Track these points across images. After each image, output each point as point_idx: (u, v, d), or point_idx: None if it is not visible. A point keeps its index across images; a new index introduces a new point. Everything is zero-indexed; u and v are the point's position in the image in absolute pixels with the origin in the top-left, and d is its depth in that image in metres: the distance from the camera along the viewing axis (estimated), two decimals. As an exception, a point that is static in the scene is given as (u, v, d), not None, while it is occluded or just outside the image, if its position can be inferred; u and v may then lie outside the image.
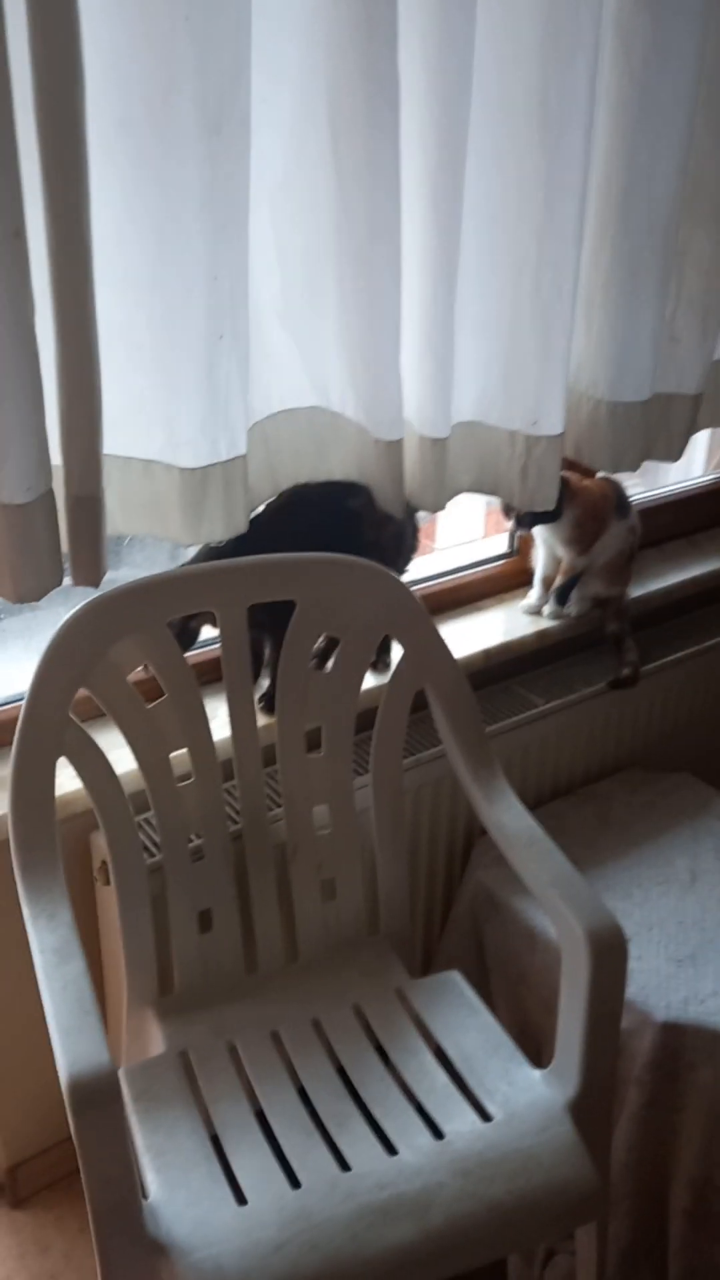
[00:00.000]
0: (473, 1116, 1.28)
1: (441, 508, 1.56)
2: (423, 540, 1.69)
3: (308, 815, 1.50)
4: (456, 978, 1.49)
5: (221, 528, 1.35)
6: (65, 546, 1.26)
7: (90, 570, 1.27)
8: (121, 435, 1.27)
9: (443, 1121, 1.27)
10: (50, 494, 1.20)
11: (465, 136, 1.32)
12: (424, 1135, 1.26)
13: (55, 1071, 1.05)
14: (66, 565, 1.27)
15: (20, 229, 1.06)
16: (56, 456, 1.19)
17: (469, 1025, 1.41)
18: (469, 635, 1.84)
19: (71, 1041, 1.07)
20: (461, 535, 2.21)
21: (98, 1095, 1.04)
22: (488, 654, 1.80)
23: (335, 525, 1.53)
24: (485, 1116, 1.28)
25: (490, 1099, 1.30)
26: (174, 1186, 1.18)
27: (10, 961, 1.46)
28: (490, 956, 1.71)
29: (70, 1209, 1.70)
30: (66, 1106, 1.03)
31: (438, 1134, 1.26)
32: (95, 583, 1.28)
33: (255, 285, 1.31)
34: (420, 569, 1.84)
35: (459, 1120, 1.27)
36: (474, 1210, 1.18)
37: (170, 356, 1.25)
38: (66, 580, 1.27)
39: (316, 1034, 1.40)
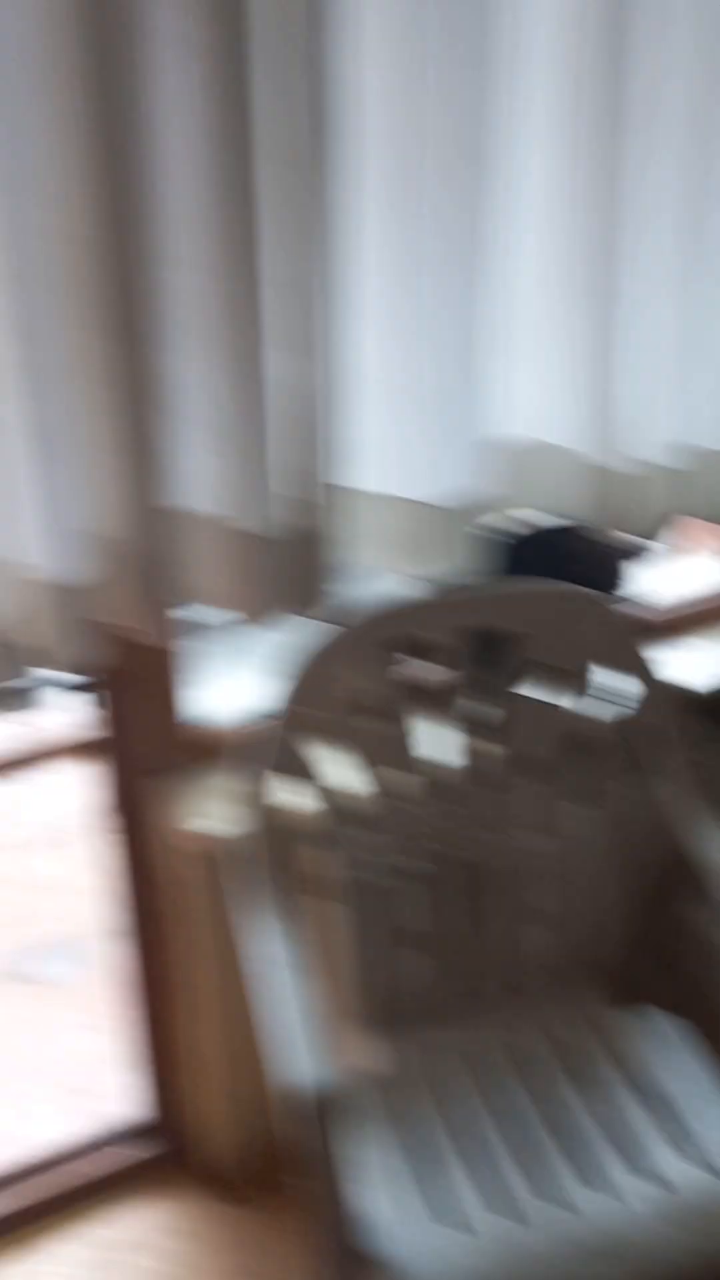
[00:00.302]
0: (695, 1169, 1.25)
1: (676, 535, 1.54)
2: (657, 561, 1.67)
3: (518, 840, 1.51)
4: (663, 1015, 1.47)
5: (455, 561, 1.38)
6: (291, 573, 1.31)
7: (310, 598, 1.32)
8: (360, 469, 1.31)
9: (663, 1169, 1.25)
10: (293, 523, 1.25)
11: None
12: (650, 1182, 1.24)
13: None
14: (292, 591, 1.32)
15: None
16: (289, 487, 1.25)
17: (678, 1067, 1.39)
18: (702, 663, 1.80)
19: (290, 1054, 1.11)
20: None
21: (318, 1108, 1.08)
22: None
23: (561, 556, 1.54)
24: (708, 1167, 1.25)
25: (708, 1148, 1.27)
26: (390, 1203, 1.20)
27: (232, 961, 1.53)
28: (695, 993, 1.67)
29: (291, 1214, 1.74)
30: (284, 1118, 1.07)
31: (660, 1181, 1.24)
32: (318, 612, 1.33)
33: (490, 320, 1.33)
34: (654, 593, 1.82)
35: (679, 1169, 1.25)
36: (696, 1268, 1.16)
37: (411, 391, 1.28)
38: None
39: (522, 1061, 1.40)
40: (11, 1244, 1.66)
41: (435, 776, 1.47)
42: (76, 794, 2.77)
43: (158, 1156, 1.84)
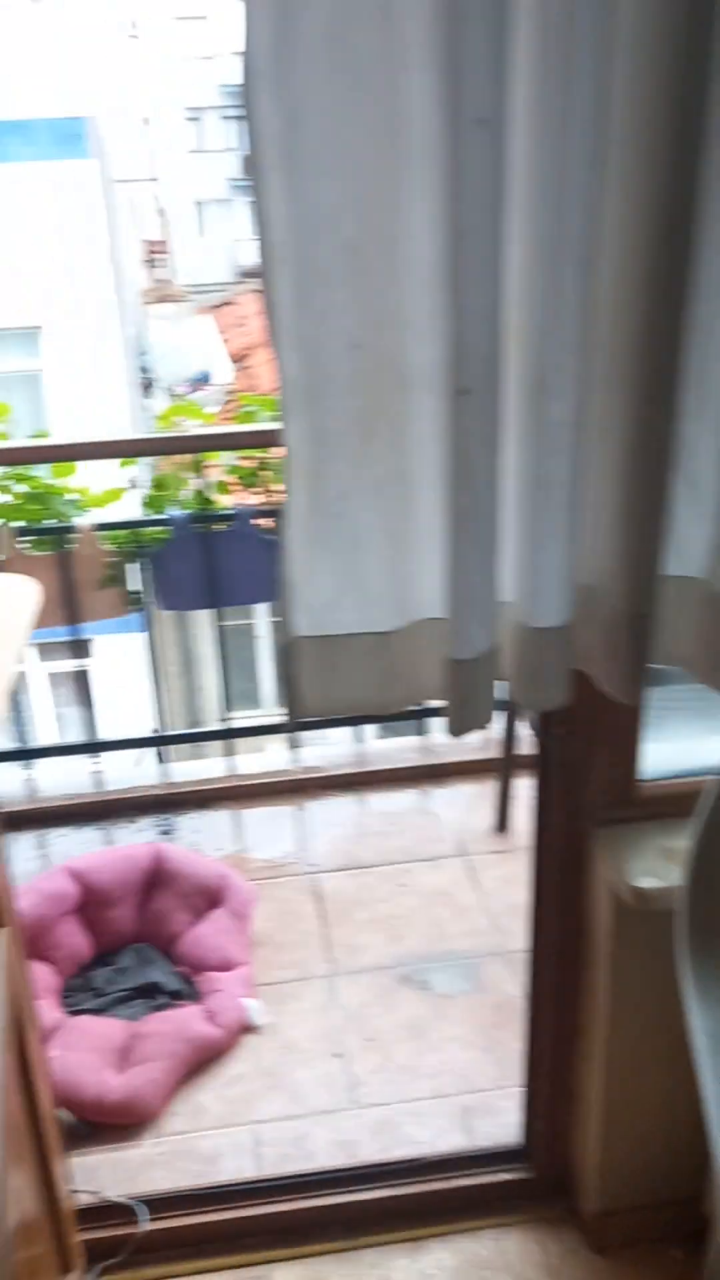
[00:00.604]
0: None
1: None
2: None
3: None
4: None
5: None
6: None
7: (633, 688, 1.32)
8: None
9: None
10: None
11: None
12: None
13: (664, 1137, 1.10)
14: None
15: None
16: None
17: None
18: None
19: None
20: None
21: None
22: None
23: None
24: None
25: None
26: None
27: (642, 1017, 1.56)
28: None
29: (653, 1271, 1.75)
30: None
31: None
32: (636, 699, 1.33)
33: None
34: None
35: None
36: None
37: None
38: None
39: None
40: (381, 1239, 1.78)
41: None
42: (488, 814, 2.90)
43: (526, 1182, 1.89)
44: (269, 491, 3.19)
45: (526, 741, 2.77)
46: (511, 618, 1.32)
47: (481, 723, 1.35)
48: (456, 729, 1.34)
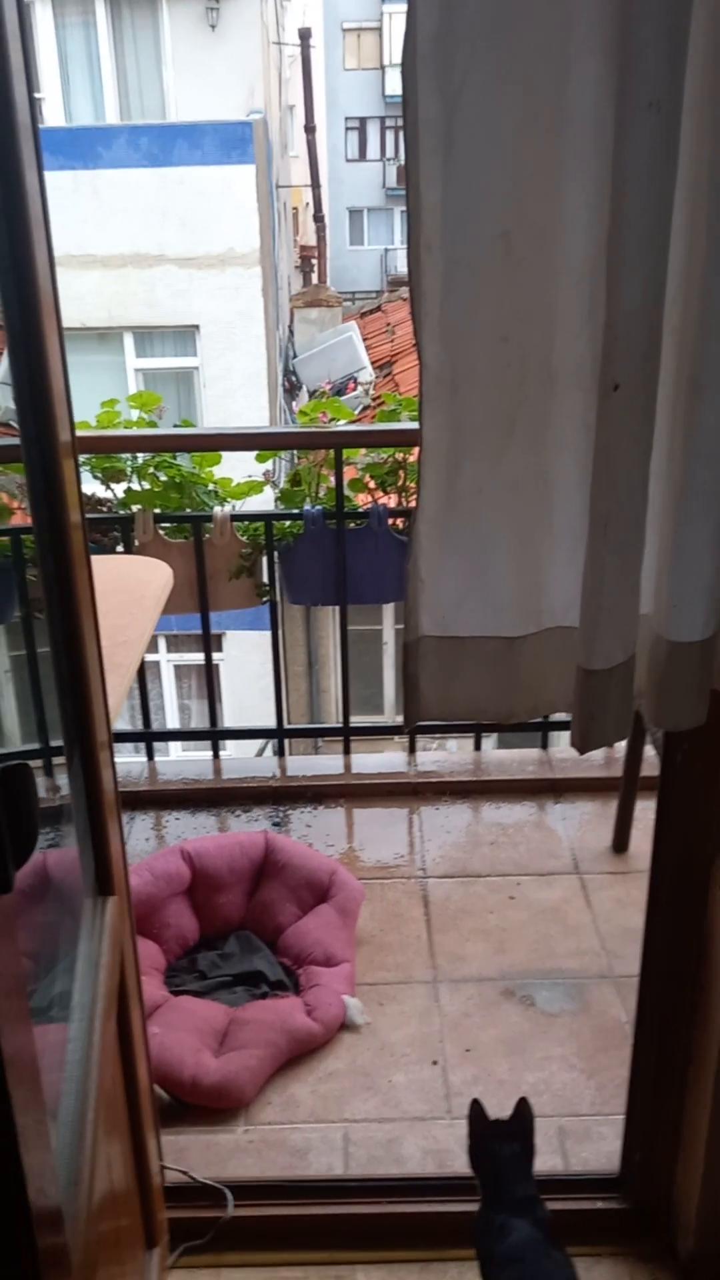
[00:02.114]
0: None
1: None
2: None
3: None
4: None
5: None
6: None
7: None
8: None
9: None
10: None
11: None
12: None
13: None
14: None
15: None
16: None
17: None
18: None
19: None
20: None
21: None
22: None
23: None
24: None
25: None
26: None
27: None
28: None
29: None
30: None
31: None
32: None
33: None
34: None
35: None
36: None
37: None
38: None
39: None
40: (466, 1254, 1.74)
41: None
42: (607, 834, 2.83)
43: (620, 1213, 1.83)
44: (404, 492, 3.18)
45: (652, 761, 2.69)
46: (649, 630, 1.28)
47: (611, 738, 1.30)
48: (583, 743, 1.30)
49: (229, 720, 7.99)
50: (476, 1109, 1.65)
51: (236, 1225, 1.85)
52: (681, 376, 1.12)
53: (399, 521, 3.06)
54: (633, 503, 1.15)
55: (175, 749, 6.48)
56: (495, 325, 1.13)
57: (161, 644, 8.43)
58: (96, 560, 1.51)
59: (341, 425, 3.33)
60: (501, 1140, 1.64)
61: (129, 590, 2.28)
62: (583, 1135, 2.01)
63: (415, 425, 1.21)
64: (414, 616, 1.29)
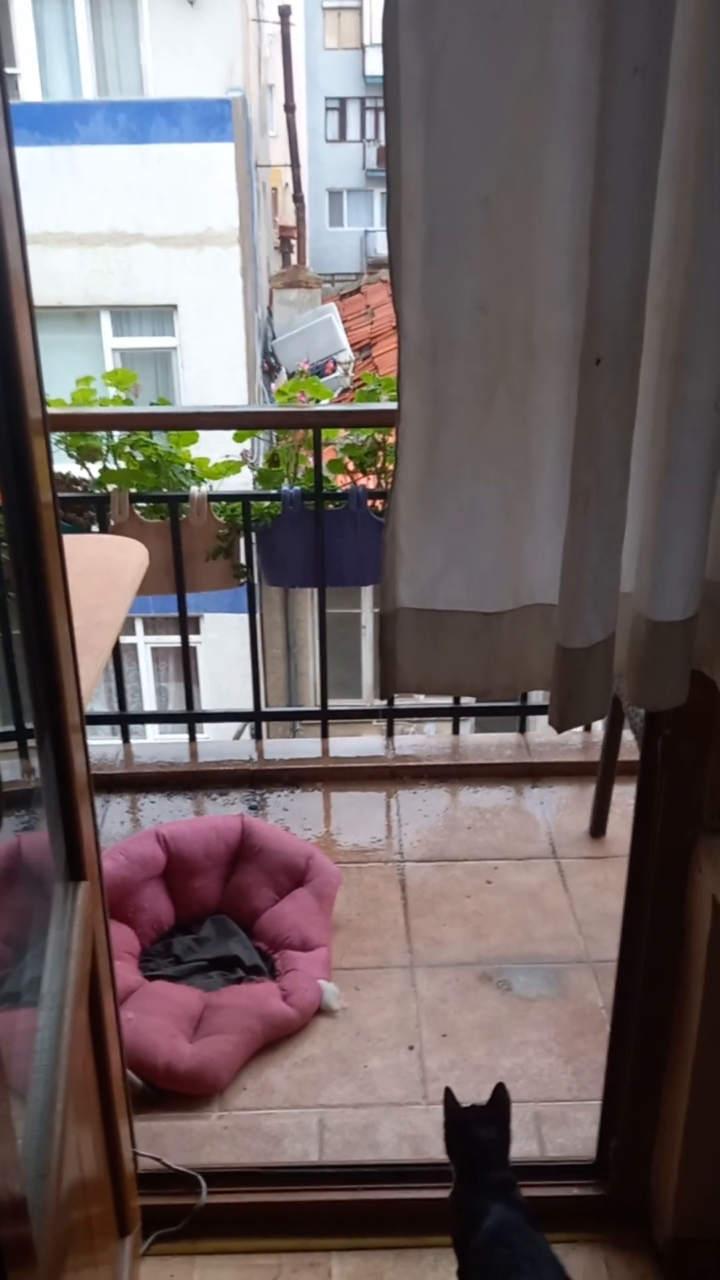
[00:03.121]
0: None
1: None
2: None
3: None
4: None
5: None
6: None
7: None
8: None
9: None
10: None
11: None
12: None
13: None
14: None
15: None
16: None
17: None
18: None
19: None
20: None
21: None
22: None
23: None
24: None
25: None
26: None
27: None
28: None
29: None
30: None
31: None
32: None
33: None
34: None
35: None
36: None
37: None
38: None
39: None
40: (443, 1241, 1.72)
41: None
42: (584, 818, 2.82)
43: (598, 1199, 1.82)
44: (383, 473, 3.15)
45: (630, 746, 2.68)
46: (629, 608, 1.25)
47: (589, 717, 1.28)
48: (561, 722, 1.27)
49: (207, 703, 7.95)
50: (450, 1097, 1.63)
51: (210, 1212, 1.83)
52: (666, 350, 1.10)
53: (378, 503, 3.02)
54: (614, 478, 1.13)
55: (152, 732, 6.44)
56: (476, 294, 1.10)
57: (139, 626, 8.37)
58: (70, 541, 1.48)
59: (321, 405, 3.29)
60: (478, 1125, 1.62)
61: (104, 571, 2.25)
62: (559, 1121, 2.00)
63: (394, 406, 1.18)
64: (391, 588, 1.26)
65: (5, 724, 3.11)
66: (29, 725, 1.53)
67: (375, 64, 21.64)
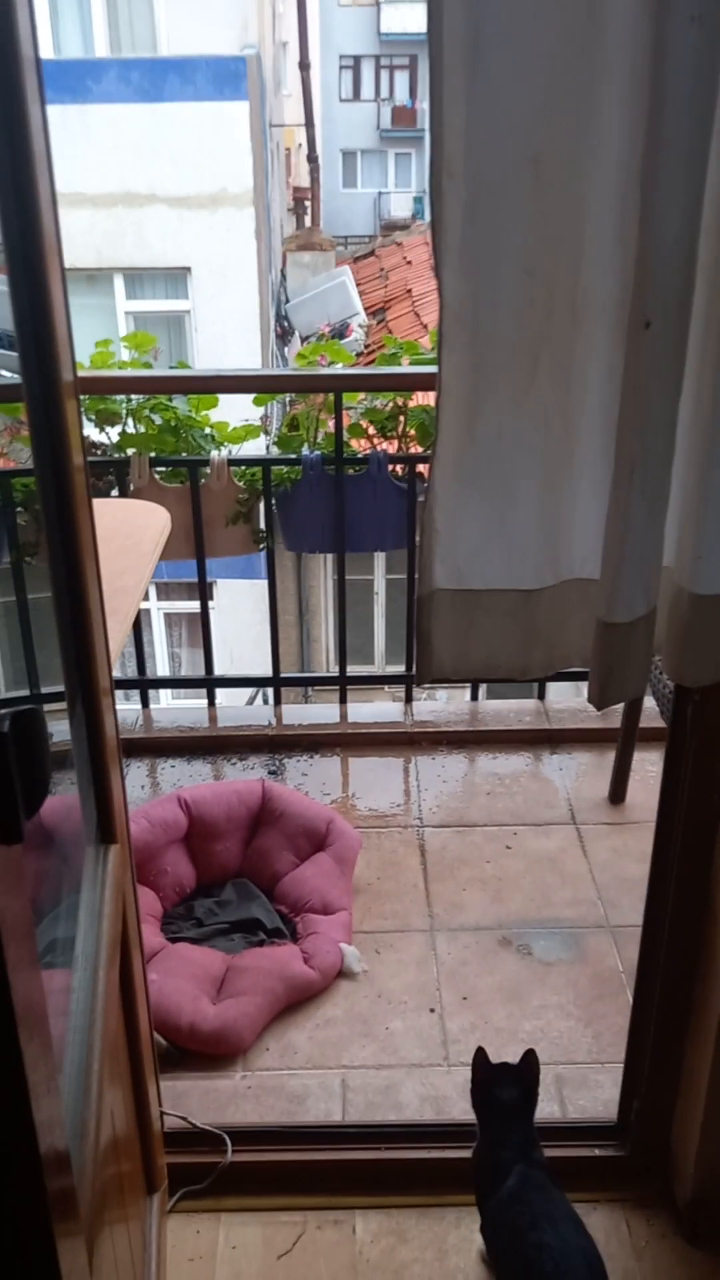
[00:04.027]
0: None
1: None
2: None
3: None
4: None
5: None
6: None
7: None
8: None
9: None
10: None
11: None
12: None
13: None
14: None
15: None
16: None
17: None
18: None
19: None
20: None
21: None
22: None
23: None
24: None
25: None
26: None
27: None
28: None
29: None
30: None
31: None
32: None
33: None
34: None
35: None
36: None
37: None
38: None
39: None
40: (465, 1200, 1.74)
41: None
42: (604, 784, 2.82)
43: (618, 1160, 1.84)
44: (404, 438, 3.13)
45: (650, 713, 2.68)
46: (670, 582, 1.24)
47: (630, 693, 1.27)
48: (601, 699, 1.27)
49: (219, 669, 7.94)
50: (481, 1055, 1.65)
51: (235, 1170, 1.85)
52: (714, 314, 1.08)
53: (398, 468, 3.01)
54: (661, 447, 1.11)
55: (165, 697, 6.45)
56: (520, 257, 1.08)
57: (152, 592, 8.37)
58: (94, 504, 1.47)
59: (341, 369, 3.26)
60: (506, 1085, 1.64)
61: (127, 535, 2.24)
62: (580, 1083, 2.02)
63: (417, 369, 1.16)
64: (428, 570, 1.25)
65: (21, 689, 3.13)
66: (45, 691, 1.53)
67: (391, 21, 21.35)
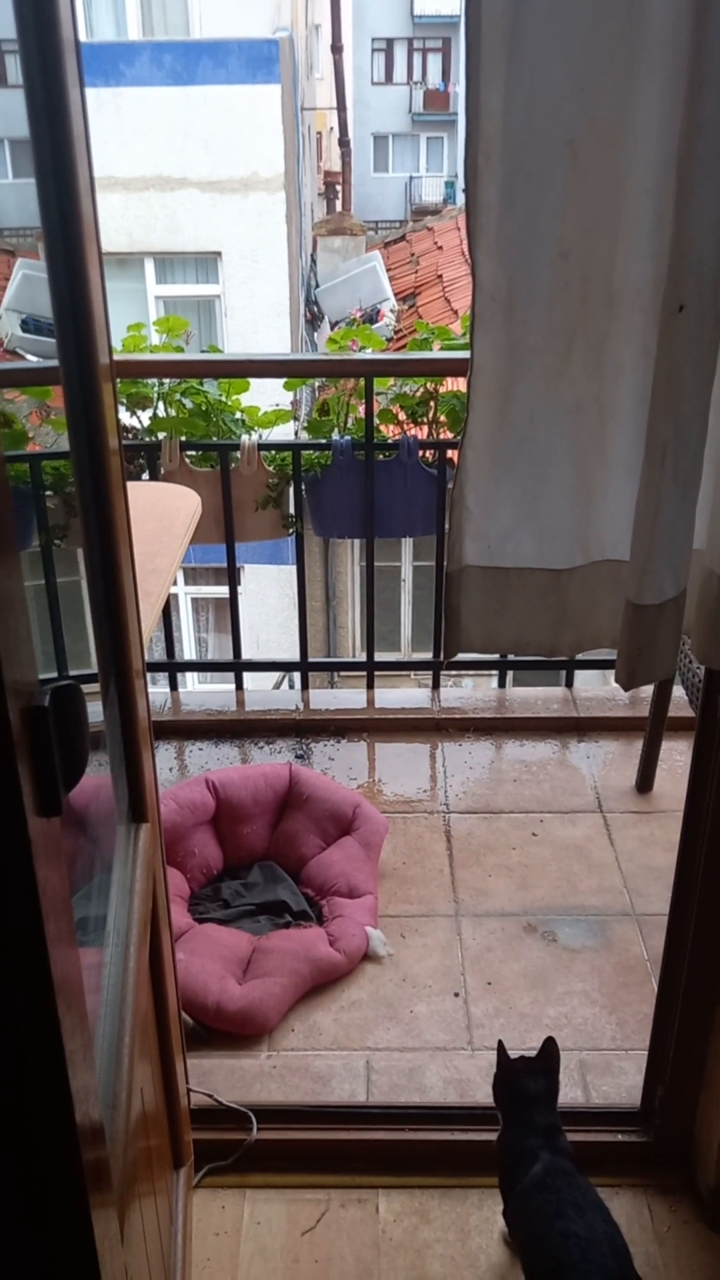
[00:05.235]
0: None
1: None
2: None
3: None
4: None
5: None
6: None
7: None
8: None
9: None
10: None
11: None
12: None
13: None
14: None
15: None
16: None
17: None
18: None
19: None
20: None
21: None
22: None
23: None
24: None
25: None
26: None
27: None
28: None
29: None
30: None
31: None
32: None
33: None
34: None
35: None
36: None
37: None
38: None
39: None
40: (488, 1182, 1.76)
41: None
42: (631, 773, 2.82)
43: (641, 1146, 1.85)
44: (435, 424, 3.13)
45: (678, 702, 2.67)
46: (700, 565, 1.24)
47: (657, 675, 1.28)
48: (629, 680, 1.27)
49: (246, 654, 7.98)
50: (502, 1049, 1.66)
51: (260, 1148, 1.87)
52: (749, 298, 1.08)
53: (428, 454, 3.00)
54: (693, 431, 1.11)
55: (191, 681, 6.48)
56: (556, 240, 1.08)
57: (179, 577, 8.41)
58: (127, 487, 1.48)
59: (372, 353, 3.26)
60: (527, 1076, 1.65)
61: (159, 518, 2.26)
62: (604, 1069, 2.03)
63: (448, 355, 1.17)
64: (458, 546, 1.26)
65: (48, 670, 3.15)
66: (72, 673, 1.54)
67: (424, 3, 21.19)
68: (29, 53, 1.05)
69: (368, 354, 3.19)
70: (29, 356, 7.15)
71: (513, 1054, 1.69)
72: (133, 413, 3.13)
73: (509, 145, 1.05)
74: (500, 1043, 1.67)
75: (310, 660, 3.29)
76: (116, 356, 3.01)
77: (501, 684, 3.28)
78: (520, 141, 1.05)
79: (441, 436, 3.10)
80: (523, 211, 1.07)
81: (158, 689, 3.31)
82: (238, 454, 3.01)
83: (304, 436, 3.20)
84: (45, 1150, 0.78)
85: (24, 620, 0.68)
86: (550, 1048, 1.65)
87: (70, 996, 0.76)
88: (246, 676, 3.30)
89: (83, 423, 1.26)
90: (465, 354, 1.15)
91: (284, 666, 3.67)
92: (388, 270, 11.20)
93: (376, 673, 3.24)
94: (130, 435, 3.13)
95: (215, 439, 3.08)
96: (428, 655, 3.42)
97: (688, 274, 1.03)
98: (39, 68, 1.06)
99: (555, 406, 1.15)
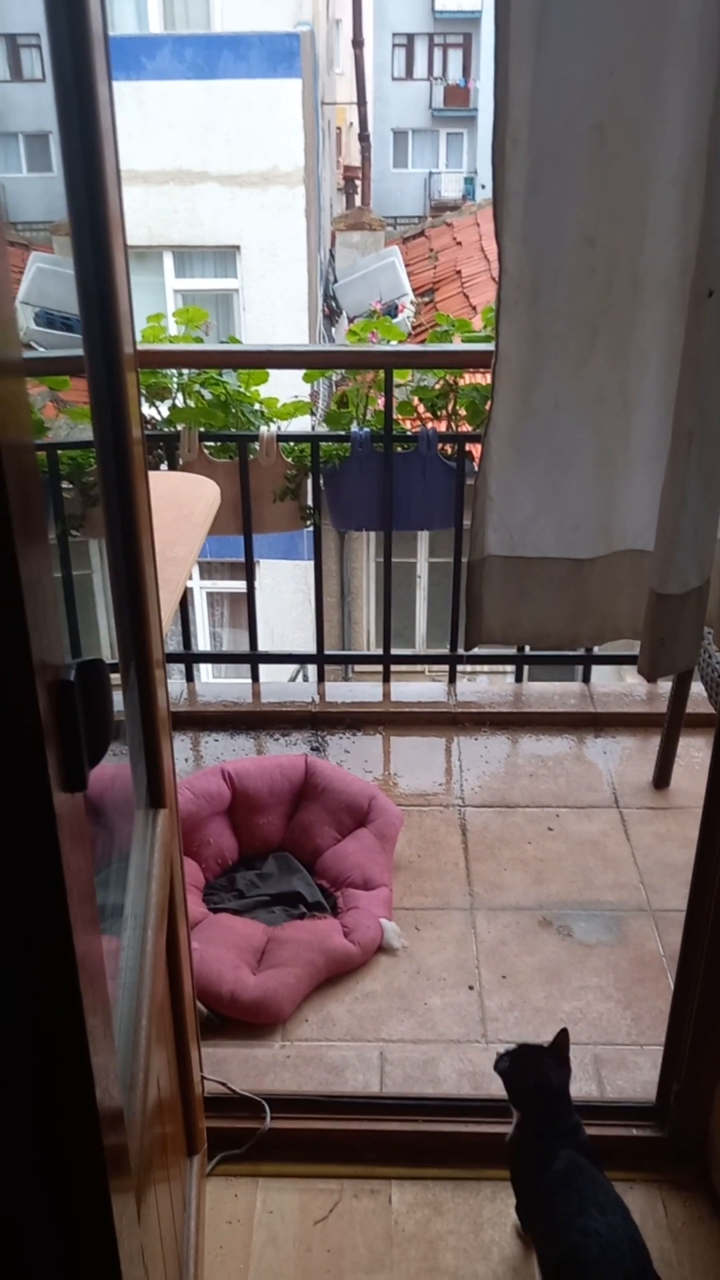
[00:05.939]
0: None
1: None
2: None
3: None
4: None
5: None
6: None
7: None
8: None
9: None
10: None
11: None
12: None
13: None
14: None
15: None
16: None
17: None
18: None
19: None
20: None
21: None
22: None
23: None
24: None
25: None
26: None
27: None
28: None
29: None
30: None
31: None
32: None
33: None
34: None
35: None
36: None
37: None
38: None
39: None
40: (501, 1174, 1.75)
41: None
42: (648, 769, 2.81)
43: (656, 1141, 1.84)
44: (455, 417, 3.12)
45: (696, 698, 2.66)
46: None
47: (680, 665, 1.27)
48: (652, 670, 1.27)
49: (261, 648, 7.98)
50: (505, 1054, 1.67)
51: (273, 1137, 1.88)
52: (778, 286, 1.07)
53: (448, 447, 3.00)
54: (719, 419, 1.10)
55: (206, 674, 6.49)
56: (582, 227, 1.08)
57: (195, 571, 8.42)
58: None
59: (392, 345, 3.26)
60: (543, 1071, 1.65)
61: (178, 507, 2.26)
62: (619, 1064, 2.02)
63: (468, 347, 1.16)
64: (480, 535, 1.26)
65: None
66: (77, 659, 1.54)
67: (445, -2, 21.12)
68: (59, 47, 1.05)
69: (388, 345, 3.19)
70: (40, 349, 7.17)
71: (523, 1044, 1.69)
72: (152, 404, 3.13)
73: (536, 131, 1.05)
74: (517, 1046, 1.67)
75: (326, 653, 3.29)
76: (140, 346, 3.02)
77: (518, 678, 3.28)
78: (547, 127, 1.04)
79: (461, 429, 3.09)
80: (549, 196, 1.07)
81: (174, 681, 3.31)
82: (256, 445, 3.01)
83: (323, 429, 3.20)
84: (66, 1130, 0.78)
85: (52, 599, 0.68)
86: (561, 1039, 1.65)
87: (91, 972, 0.77)
88: (263, 671, 3.30)
89: (107, 411, 1.26)
90: (486, 346, 1.15)
91: (300, 659, 3.67)
92: (406, 266, 11.18)
93: (392, 667, 3.23)
94: (150, 426, 3.14)
95: (234, 430, 3.08)
96: (444, 651, 3.41)
97: (716, 259, 1.03)
98: (70, 62, 1.06)
99: (579, 394, 1.15)
